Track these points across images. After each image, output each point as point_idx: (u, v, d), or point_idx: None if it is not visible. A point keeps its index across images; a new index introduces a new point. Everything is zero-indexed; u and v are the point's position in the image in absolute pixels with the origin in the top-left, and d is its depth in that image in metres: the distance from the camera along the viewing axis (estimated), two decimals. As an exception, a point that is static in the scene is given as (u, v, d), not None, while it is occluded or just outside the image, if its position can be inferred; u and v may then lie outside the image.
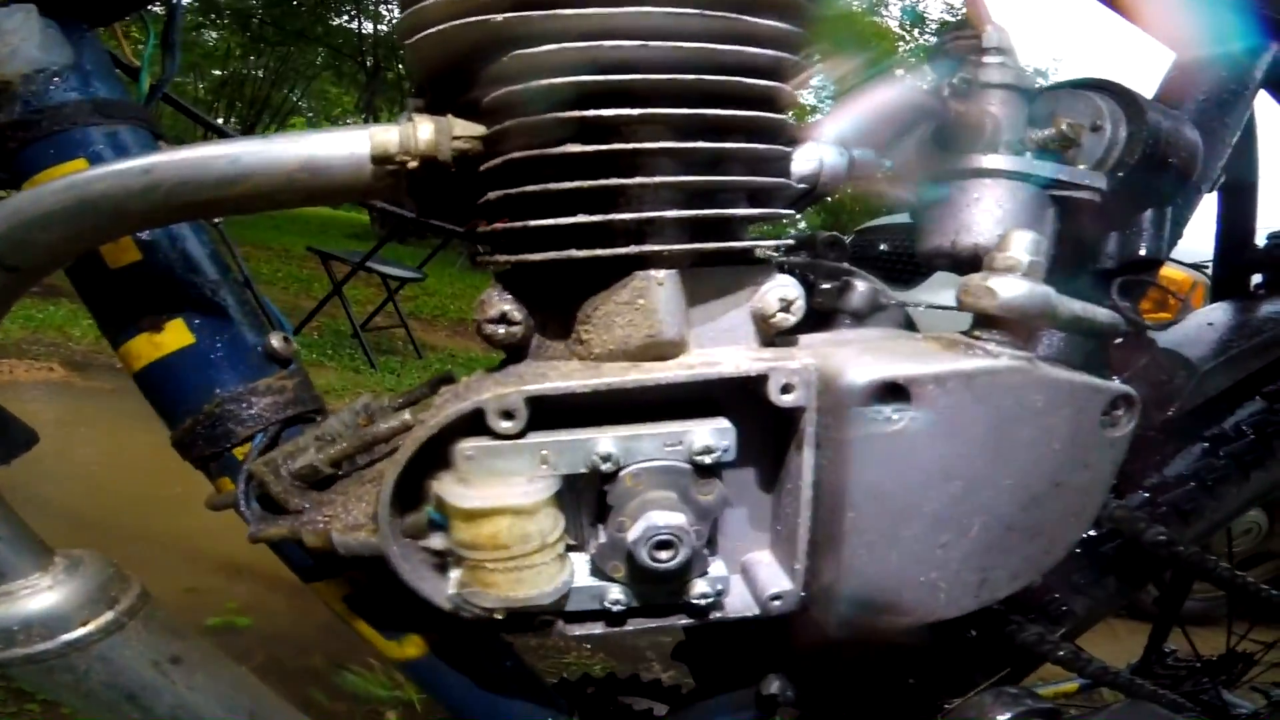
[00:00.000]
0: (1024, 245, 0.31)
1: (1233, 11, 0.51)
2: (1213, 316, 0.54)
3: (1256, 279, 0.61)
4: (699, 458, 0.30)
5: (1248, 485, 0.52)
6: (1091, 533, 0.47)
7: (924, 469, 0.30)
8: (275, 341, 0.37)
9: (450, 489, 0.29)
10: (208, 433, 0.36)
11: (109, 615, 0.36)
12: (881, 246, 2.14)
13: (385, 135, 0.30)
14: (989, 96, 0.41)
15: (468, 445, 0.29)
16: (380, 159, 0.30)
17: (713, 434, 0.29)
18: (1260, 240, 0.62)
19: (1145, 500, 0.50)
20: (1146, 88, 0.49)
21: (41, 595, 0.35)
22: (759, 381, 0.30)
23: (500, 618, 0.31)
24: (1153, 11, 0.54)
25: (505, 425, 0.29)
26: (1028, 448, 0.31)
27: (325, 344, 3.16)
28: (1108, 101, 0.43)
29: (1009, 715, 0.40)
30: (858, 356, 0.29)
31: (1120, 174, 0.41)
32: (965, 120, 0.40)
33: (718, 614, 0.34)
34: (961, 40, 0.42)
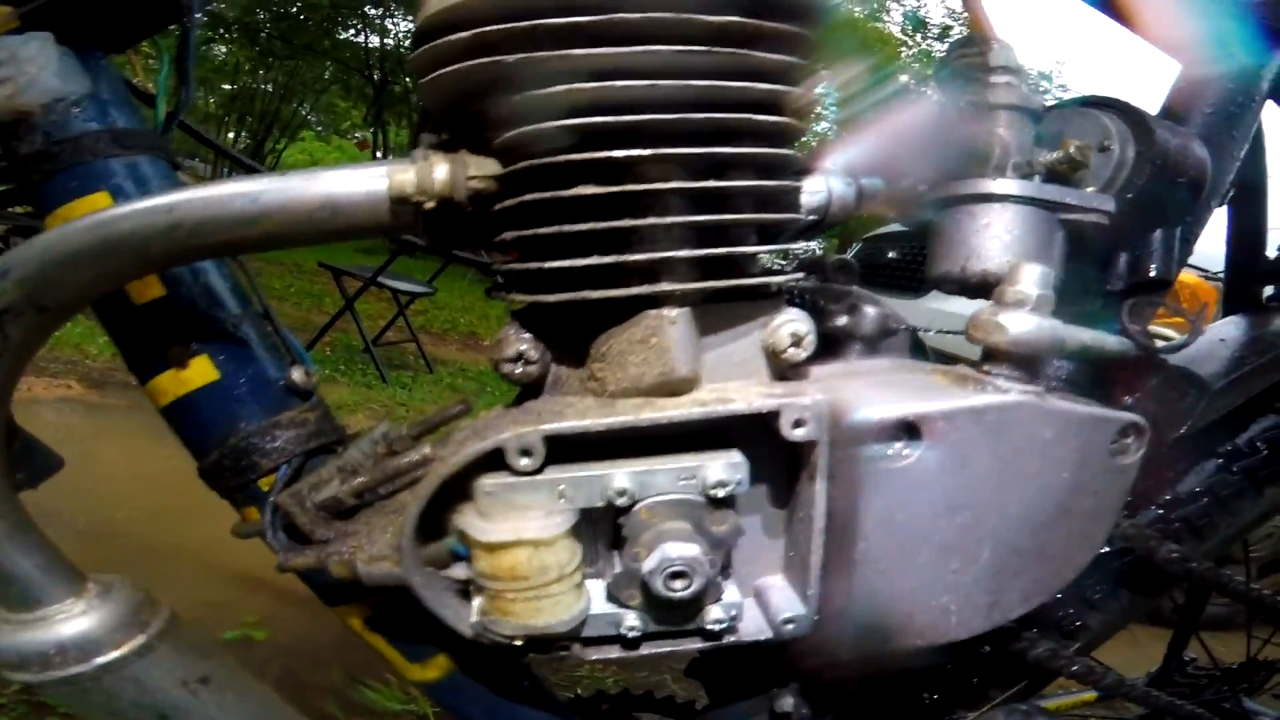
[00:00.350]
0: (1033, 279, 0.31)
1: (1238, 24, 0.52)
2: (1224, 332, 0.54)
3: (1269, 291, 0.61)
4: (713, 491, 0.30)
5: (1262, 500, 0.52)
6: (1105, 549, 0.48)
7: (934, 501, 0.31)
8: (296, 375, 0.38)
9: (472, 523, 0.30)
10: (234, 465, 0.37)
11: (140, 639, 0.37)
12: (889, 255, 2.14)
13: (402, 175, 0.31)
14: (997, 118, 0.41)
15: (488, 481, 0.30)
16: (398, 199, 0.31)
17: (726, 468, 0.30)
18: (1271, 252, 0.62)
19: (1158, 517, 0.51)
20: (1150, 89, 0.49)
21: (76, 620, 0.36)
22: (771, 417, 0.31)
23: (519, 644, 0.32)
24: (1158, 24, 0.54)
25: (524, 463, 0.29)
26: (1036, 478, 0.32)
27: (337, 359, 3.19)
28: (1115, 121, 0.44)
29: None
30: (869, 392, 0.30)
31: (1128, 195, 0.42)
32: (974, 143, 0.40)
33: (731, 638, 0.35)
34: (968, 57, 0.43)
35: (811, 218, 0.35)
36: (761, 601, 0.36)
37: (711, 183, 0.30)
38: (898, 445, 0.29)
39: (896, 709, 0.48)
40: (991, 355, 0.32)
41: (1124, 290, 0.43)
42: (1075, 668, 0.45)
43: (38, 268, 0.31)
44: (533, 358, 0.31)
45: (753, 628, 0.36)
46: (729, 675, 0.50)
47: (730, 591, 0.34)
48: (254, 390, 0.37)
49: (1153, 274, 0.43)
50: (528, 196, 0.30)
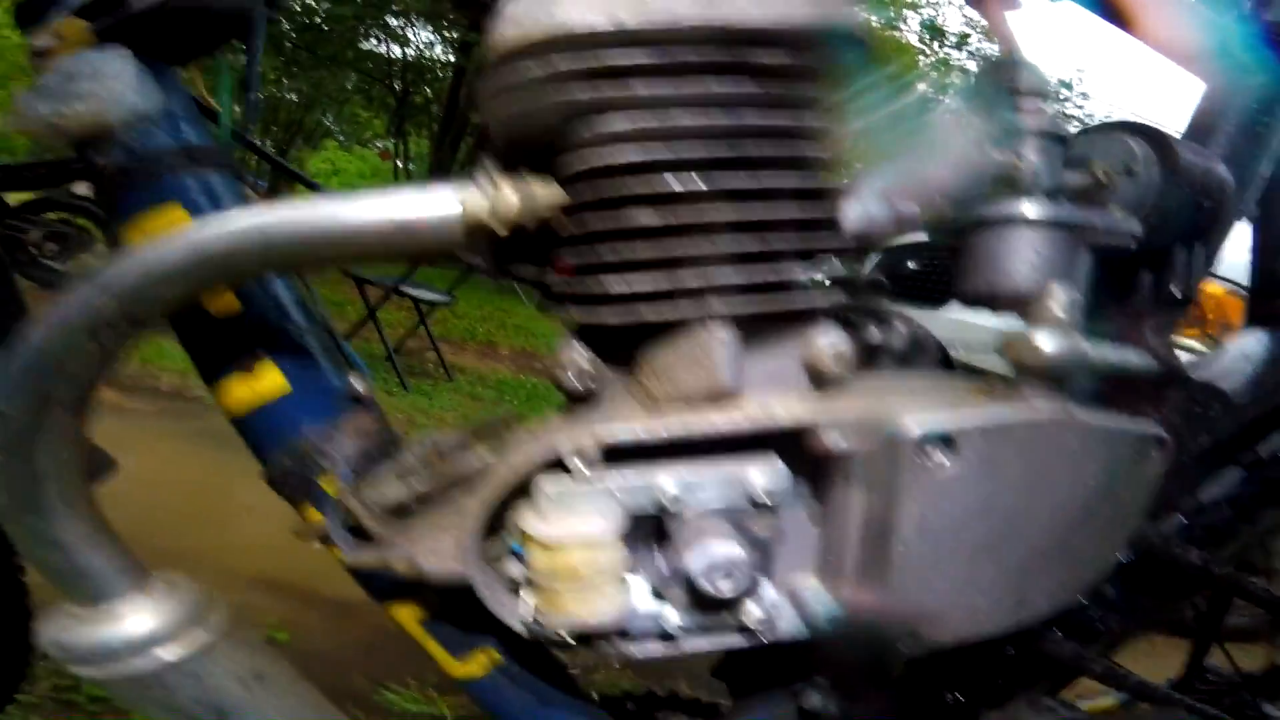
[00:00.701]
0: (1062, 302, 0.34)
1: (1261, 42, 0.53)
2: (1247, 347, 0.56)
3: None
4: (755, 495, 0.33)
5: None
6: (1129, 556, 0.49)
7: (967, 508, 0.33)
8: (356, 383, 0.41)
9: (530, 523, 0.32)
10: (297, 468, 0.40)
11: (202, 635, 0.39)
12: (910, 265, 2.15)
13: (477, 202, 0.33)
14: (1025, 142, 0.43)
15: (547, 484, 0.32)
16: (473, 225, 0.33)
17: (769, 476, 0.33)
18: None
19: (1182, 525, 0.52)
20: (1173, 98, 0.51)
21: (143, 616, 0.38)
22: (812, 429, 0.33)
23: (569, 640, 0.35)
24: (1181, 43, 0.56)
25: (581, 467, 0.32)
26: (1062, 487, 0.33)
27: (359, 367, 3.25)
28: (1140, 145, 0.45)
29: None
30: (906, 406, 0.32)
31: (1152, 218, 0.43)
32: (1004, 168, 0.43)
33: (769, 637, 0.37)
34: (998, 80, 0.45)
35: (852, 243, 0.37)
36: (796, 601, 0.38)
37: (760, 213, 0.32)
38: (935, 457, 0.31)
39: (923, 707, 0.50)
40: (1024, 372, 0.34)
41: (1146, 309, 0.45)
42: (1097, 668, 0.46)
43: (133, 282, 0.33)
44: (591, 372, 0.34)
45: (788, 626, 0.38)
46: (756, 675, 0.52)
47: (769, 591, 0.36)
48: (319, 397, 0.40)
49: (1175, 293, 0.45)
50: (590, 224, 0.33)
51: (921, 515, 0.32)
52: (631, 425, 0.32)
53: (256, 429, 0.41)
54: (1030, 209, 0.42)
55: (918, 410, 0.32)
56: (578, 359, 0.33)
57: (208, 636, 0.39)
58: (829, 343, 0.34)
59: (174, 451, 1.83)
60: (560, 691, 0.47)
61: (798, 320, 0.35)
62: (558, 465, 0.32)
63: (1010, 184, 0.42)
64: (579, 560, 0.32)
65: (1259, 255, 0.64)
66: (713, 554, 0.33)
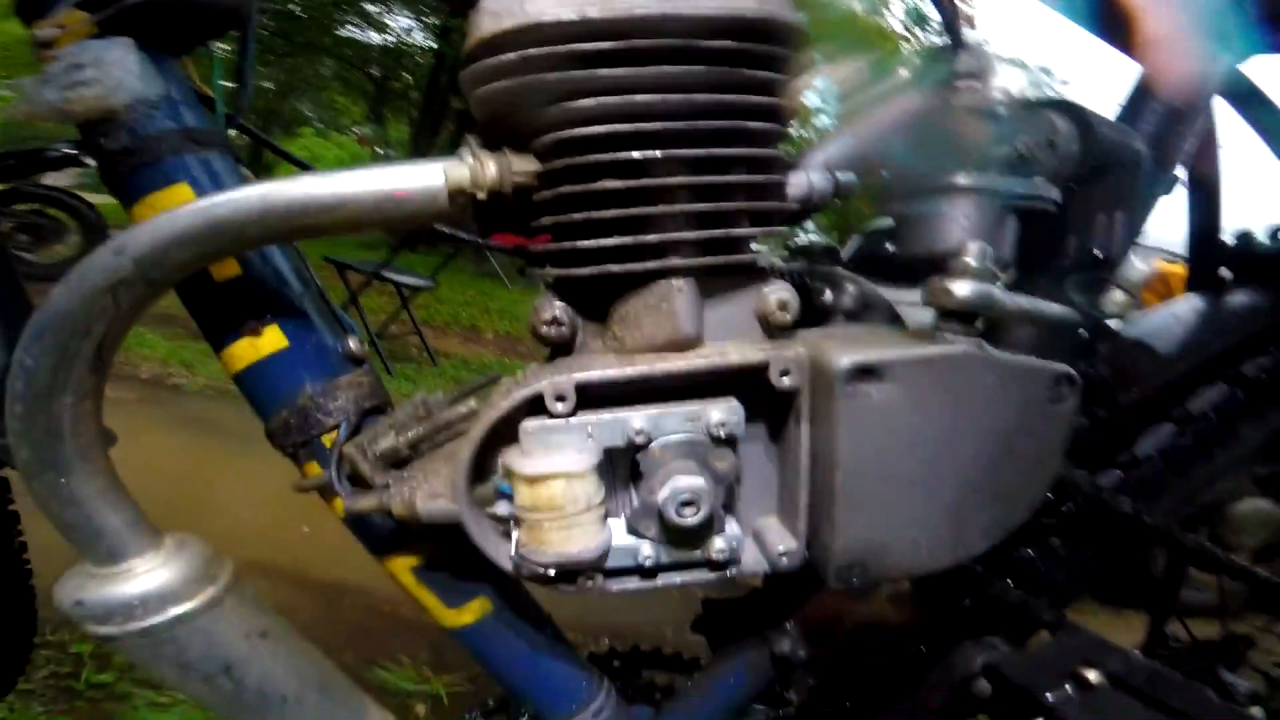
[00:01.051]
0: (975, 252, 0.38)
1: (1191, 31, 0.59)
2: (1179, 309, 0.61)
3: (1225, 273, 0.68)
4: (715, 430, 0.37)
5: (1213, 462, 0.58)
6: (1069, 506, 0.54)
7: (898, 438, 0.37)
8: (352, 344, 0.45)
9: (515, 460, 0.36)
10: (300, 423, 0.43)
11: (211, 591, 0.41)
12: (887, 246, 2.21)
13: (458, 172, 0.37)
14: (960, 119, 0.49)
15: (530, 423, 0.36)
16: (455, 192, 0.37)
17: (726, 411, 0.37)
18: (1229, 239, 0.69)
19: (1118, 477, 0.57)
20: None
21: (156, 573, 0.40)
22: (762, 369, 0.37)
23: (552, 574, 0.39)
24: (1121, 29, 0.61)
25: (560, 407, 0.36)
26: (984, 420, 0.38)
27: (343, 352, 3.25)
28: (1063, 120, 0.51)
29: (984, 659, 0.47)
30: (841, 346, 0.37)
31: (1072, 185, 0.49)
32: (941, 141, 0.48)
33: (735, 570, 0.42)
34: (940, 62, 0.50)
35: (795, 206, 0.42)
36: (760, 541, 0.42)
37: (711, 177, 0.36)
38: (864, 388, 0.36)
39: (886, 660, 0.55)
40: (942, 315, 0.38)
41: (1070, 267, 0.50)
42: (1048, 618, 0.51)
43: (149, 245, 0.36)
44: (564, 321, 0.38)
45: (753, 562, 0.42)
46: (731, 628, 0.56)
47: (733, 528, 0.41)
48: (317, 356, 0.44)
49: (1097, 253, 0.50)
50: (562, 189, 0.37)
51: (858, 446, 0.37)
52: (604, 369, 0.36)
53: (259, 385, 0.44)
54: (960, 179, 0.47)
55: (849, 349, 0.36)
56: (555, 312, 0.38)
57: (217, 593, 0.42)
58: (778, 296, 0.39)
59: (157, 438, 1.83)
60: (548, 641, 0.51)
61: (751, 276, 0.39)
62: (539, 408, 0.37)
63: (947, 156, 0.48)
64: (560, 492, 0.36)
65: (1192, 226, 0.70)
66: (678, 484, 0.37)
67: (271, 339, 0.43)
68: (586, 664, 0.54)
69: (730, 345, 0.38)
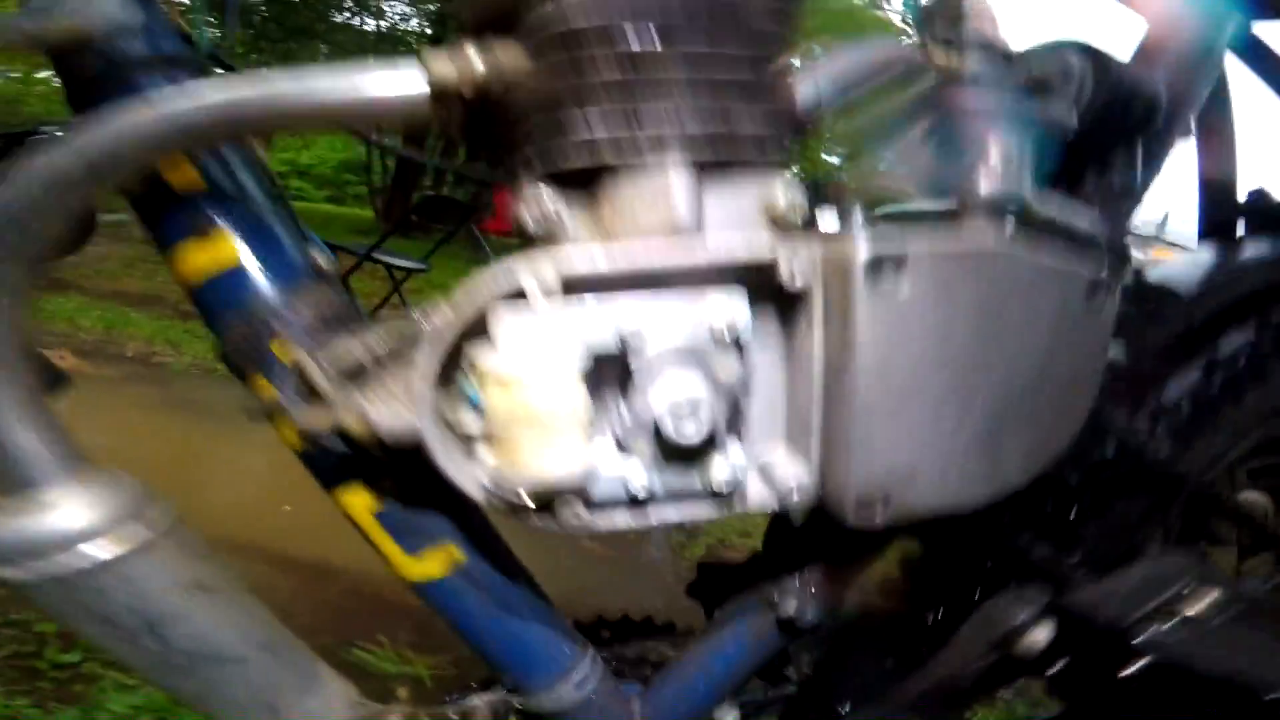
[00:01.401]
0: (999, 150, 0.35)
1: None
2: (1197, 257, 0.59)
3: (1239, 229, 0.66)
4: (719, 330, 0.33)
5: (1242, 406, 0.54)
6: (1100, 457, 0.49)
7: (925, 345, 0.33)
8: (319, 258, 0.40)
9: (488, 356, 0.32)
10: (253, 335, 0.38)
11: (143, 533, 0.36)
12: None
13: (442, 67, 0.34)
14: (970, 56, 0.47)
15: (506, 314, 0.32)
16: (439, 88, 0.34)
17: (729, 306, 0.33)
18: (1242, 198, 0.67)
19: (1149, 422, 0.53)
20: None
21: (74, 508, 0.35)
22: (769, 266, 0.33)
23: (529, 502, 0.33)
24: None
25: (542, 299, 0.32)
26: (1019, 327, 0.34)
27: (333, 335, 3.20)
28: (1078, 58, 0.49)
29: (1026, 614, 0.41)
30: (860, 237, 0.33)
31: (1088, 116, 0.46)
32: (946, 72, 0.45)
33: (739, 505, 0.36)
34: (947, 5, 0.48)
35: (802, 114, 0.39)
36: (766, 475, 0.37)
37: (710, 74, 0.33)
38: (886, 284, 0.32)
39: (900, 627, 0.49)
40: (966, 211, 0.35)
41: (1093, 198, 0.48)
42: (1078, 576, 0.45)
43: (99, 140, 0.33)
44: (551, 213, 0.34)
45: (758, 497, 0.37)
46: (728, 589, 0.50)
47: (736, 452, 0.36)
48: (278, 266, 0.39)
49: (1117, 186, 0.48)
50: (556, 84, 0.33)
51: (880, 353, 0.32)
52: (592, 256, 0.32)
53: (211, 295, 0.39)
54: (971, 101, 0.44)
55: (869, 240, 0.32)
56: (541, 201, 0.34)
57: (146, 534, 0.36)
58: (787, 194, 0.35)
59: (141, 416, 1.77)
60: (527, 599, 0.45)
61: (756, 172, 0.36)
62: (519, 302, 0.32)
63: (950, 85, 0.45)
64: (538, 399, 0.31)
65: (1202, 175, 0.68)
66: (677, 392, 0.32)
67: (227, 247, 0.39)
68: (569, 628, 0.48)
69: (735, 238, 0.34)
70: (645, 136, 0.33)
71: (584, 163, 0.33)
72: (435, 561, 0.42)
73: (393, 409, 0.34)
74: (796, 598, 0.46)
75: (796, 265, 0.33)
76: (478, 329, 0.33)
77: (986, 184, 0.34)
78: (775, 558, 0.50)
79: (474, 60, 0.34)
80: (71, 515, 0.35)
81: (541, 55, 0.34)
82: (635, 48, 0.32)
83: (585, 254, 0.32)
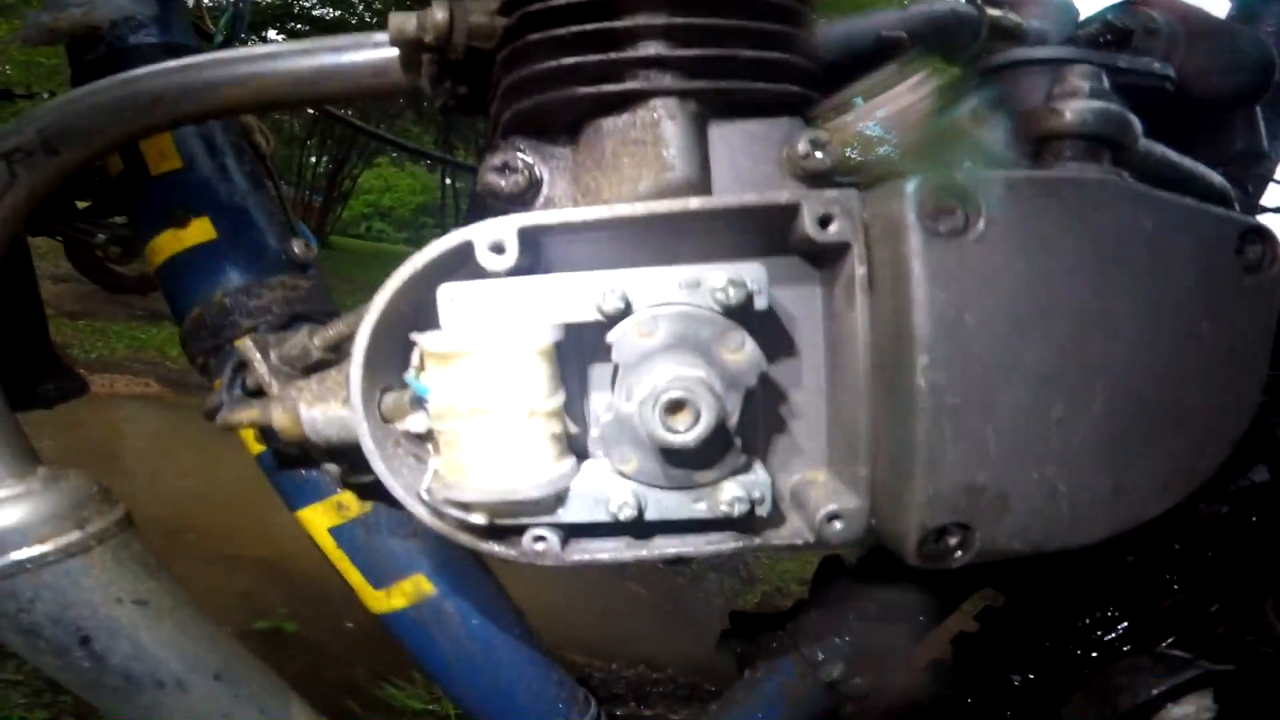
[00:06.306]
0: (1082, 73, 0.25)
1: None
2: None
3: None
4: (720, 295, 0.23)
5: None
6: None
7: (1012, 297, 0.22)
8: (296, 247, 0.35)
9: (429, 335, 0.23)
10: (214, 322, 0.33)
11: (74, 535, 0.30)
12: None
13: (404, 22, 0.29)
14: (1027, 8, 0.37)
15: (450, 286, 0.24)
16: (402, 42, 0.28)
17: (738, 269, 0.23)
18: None
19: None
20: None
21: (3, 504, 0.30)
22: (790, 213, 0.24)
23: (479, 520, 0.24)
24: None
25: (494, 260, 0.23)
26: (1146, 281, 0.23)
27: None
28: (1163, 14, 0.39)
29: (1167, 684, 0.27)
30: (908, 177, 0.23)
31: (1189, 70, 0.35)
32: (1001, 26, 0.36)
33: (764, 538, 0.26)
34: None
35: (824, 52, 0.30)
36: (799, 500, 0.27)
37: None
38: (953, 219, 0.22)
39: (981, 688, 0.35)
40: (1054, 149, 0.24)
41: (1212, 162, 0.36)
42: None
43: (57, 113, 0.30)
44: (516, 165, 0.26)
45: (789, 530, 0.26)
46: (764, 646, 0.37)
47: (757, 472, 0.25)
48: (249, 253, 0.34)
49: (1237, 147, 0.36)
50: (531, 6, 0.27)
51: (948, 324, 0.22)
52: (558, 213, 0.24)
53: (176, 278, 0.35)
54: (1046, 51, 0.34)
55: (923, 173, 0.22)
56: (503, 154, 0.26)
57: (80, 539, 0.30)
58: (811, 135, 0.26)
59: (222, 444, 1.75)
60: (510, 641, 0.35)
61: (775, 120, 0.27)
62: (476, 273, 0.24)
63: (1011, 36, 0.36)
64: (483, 380, 0.22)
65: None
66: (663, 374, 0.22)
67: (198, 230, 0.35)
68: (565, 676, 0.37)
69: (742, 187, 0.25)
70: (626, 61, 0.25)
71: (553, 97, 0.25)
72: (399, 593, 0.33)
73: (328, 406, 0.26)
74: (843, 659, 0.33)
75: (826, 214, 0.23)
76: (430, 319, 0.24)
77: (1075, 104, 0.24)
78: (821, 608, 0.38)
79: (435, 9, 0.28)
80: (-1, 510, 0.29)
81: (515, 9, 0.27)
82: None
83: (552, 210, 0.24)
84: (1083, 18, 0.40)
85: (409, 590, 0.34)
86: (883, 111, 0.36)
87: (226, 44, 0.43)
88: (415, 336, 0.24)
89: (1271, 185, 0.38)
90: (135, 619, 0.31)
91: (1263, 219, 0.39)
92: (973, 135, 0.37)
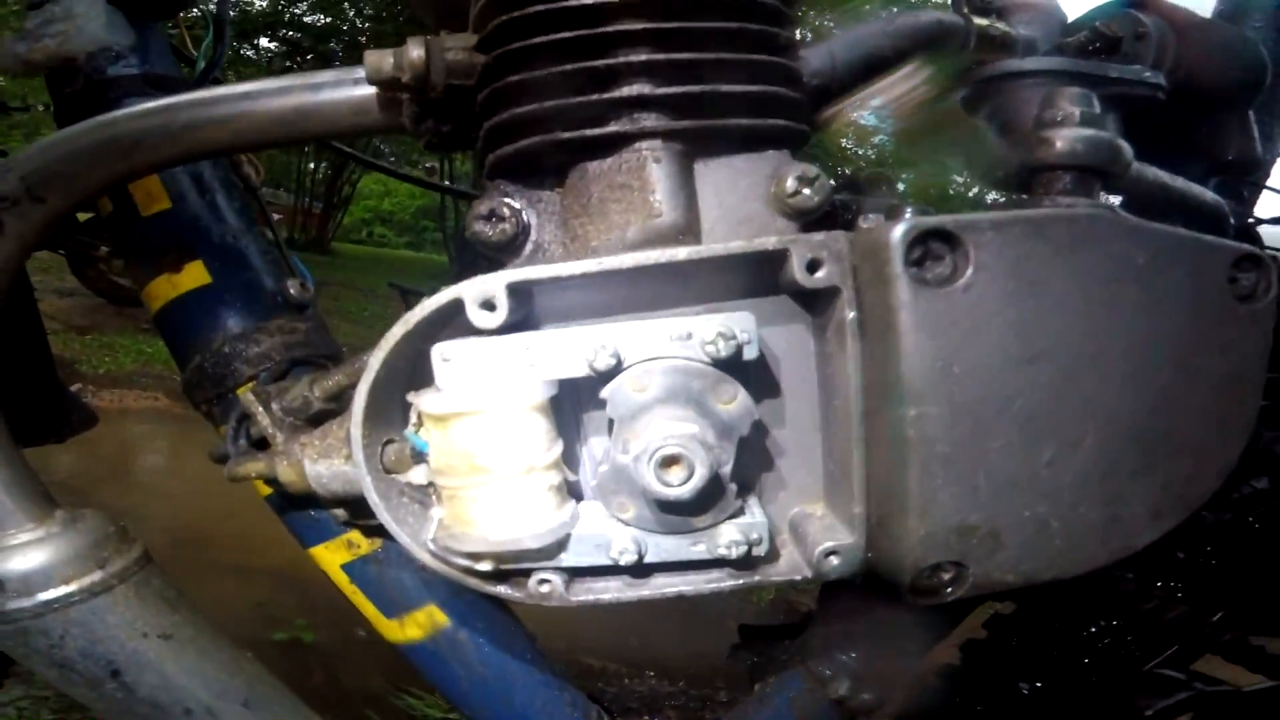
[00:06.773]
0: (1071, 98, 0.25)
1: None
2: None
3: None
4: (710, 349, 0.23)
5: None
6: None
7: (1001, 343, 0.22)
8: (292, 288, 0.35)
9: (425, 397, 0.24)
10: (215, 371, 0.33)
11: (96, 575, 0.31)
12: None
13: (380, 59, 0.28)
14: (1015, 15, 0.36)
15: (444, 345, 0.24)
16: (379, 81, 0.28)
17: (728, 319, 0.23)
18: None
19: None
20: None
21: (27, 548, 0.31)
22: (779, 259, 0.24)
23: (485, 568, 0.24)
24: None
25: (485, 318, 0.23)
26: (1137, 317, 0.23)
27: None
28: (1151, 17, 0.38)
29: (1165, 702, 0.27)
30: (897, 219, 0.23)
31: (1179, 76, 0.35)
32: (989, 36, 0.35)
33: (762, 575, 0.26)
34: None
35: (811, 78, 0.30)
36: (797, 535, 0.27)
37: (681, 22, 0.25)
38: (940, 266, 0.21)
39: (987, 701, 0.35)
40: (1043, 181, 0.24)
41: (1206, 171, 0.35)
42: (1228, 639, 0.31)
43: (39, 161, 0.29)
44: (504, 214, 0.26)
45: (786, 566, 0.26)
46: (773, 661, 0.38)
47: (754, 513, 0.25)
48: (245, 296, 0.34)
49: (1230, 156, 0.35)
50: (508, 61, 0.26)
51: (937, 363, 0.22)
52: (547, 267, 0.24)
53: (174, 326, 0.35)
54: (1034, 62, 0.34)
55: (909, 217, 0.22)
56: (489, 202, 0.26)
57: (105, 578, 0.31)
58: (796, 172, 0.25)
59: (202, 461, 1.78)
60: (521, 665, 0.35)
61: (761, 155, 0.26)
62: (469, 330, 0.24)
63: (999, 45, 0.35)
64: (482, 439, 0.23)
65: None
66: (656, 430, 0.23)
67: (192, 275, 0.34)
68: (579, 695, 0.38)
69: (733, 229, 0.25)
70: (609, 102, 0.24)
71: (533, 142, 0.25)
72: (414, 624, 0.34)
73: (328, 454, 0.26)
74: (850, 676, 0.34)
75: (816, 259, 0.23)
76: (428, 371, 0.24)
77: (1065, 134, 0.23)
78: (828, 624, 0.38)
79: (410, 47, 0.28)
80: (23, 556, 0.31)
81: (495, 32, 0.27)
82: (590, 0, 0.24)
83: (539, 266, 0.24)
84: (1070, 20, 0.39)
85: (423, 621, 0.34)
86: (877, 101, 0.36)
87: (208, 69, 0.42)
88: (412, 397, 0.24)
89: (1267, 192, 0.38)
90: (161, 651, 0.32)
91: (1261, 227, 0.39)
92: (965, 123, 0.37)
